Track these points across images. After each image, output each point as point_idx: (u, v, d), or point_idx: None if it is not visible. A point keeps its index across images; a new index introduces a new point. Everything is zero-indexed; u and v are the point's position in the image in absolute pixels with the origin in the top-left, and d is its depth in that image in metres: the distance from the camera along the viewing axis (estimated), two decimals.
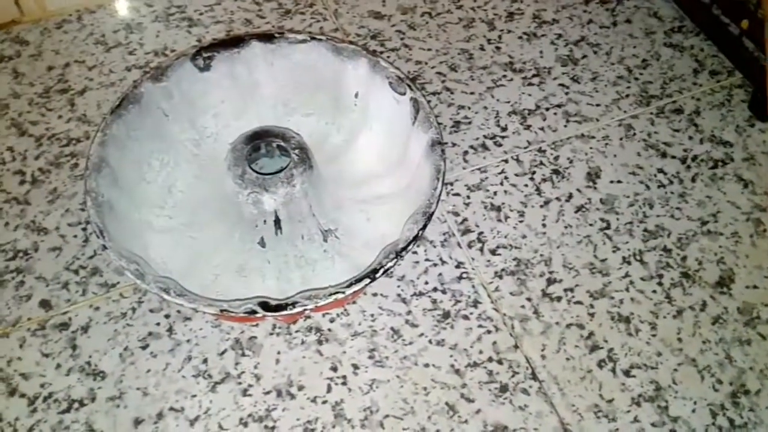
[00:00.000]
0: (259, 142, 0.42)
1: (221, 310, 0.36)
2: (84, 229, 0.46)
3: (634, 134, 0.51)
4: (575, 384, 0.41)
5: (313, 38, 0.46)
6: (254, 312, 0.36)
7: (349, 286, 0.37)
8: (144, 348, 0.41)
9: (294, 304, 0.36)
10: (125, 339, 0.42)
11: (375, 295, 0.44)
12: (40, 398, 0.40)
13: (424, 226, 0.39)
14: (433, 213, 0.39)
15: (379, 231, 0.44)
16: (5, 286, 0.43)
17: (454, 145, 0.50)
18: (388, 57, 0.54)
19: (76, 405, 0.39)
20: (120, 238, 0.39)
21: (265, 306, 0.36)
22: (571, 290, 0.44)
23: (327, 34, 0.50)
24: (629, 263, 0.45)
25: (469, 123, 0.51)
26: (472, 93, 0.53)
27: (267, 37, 0.46)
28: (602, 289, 0.44)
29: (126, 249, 0.38)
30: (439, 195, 0.40)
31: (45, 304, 0.43)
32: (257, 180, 0.40)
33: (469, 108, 0.52)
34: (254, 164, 0.42)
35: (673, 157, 0.50)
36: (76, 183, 0.47)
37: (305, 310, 0.36)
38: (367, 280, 0.37)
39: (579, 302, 0.44)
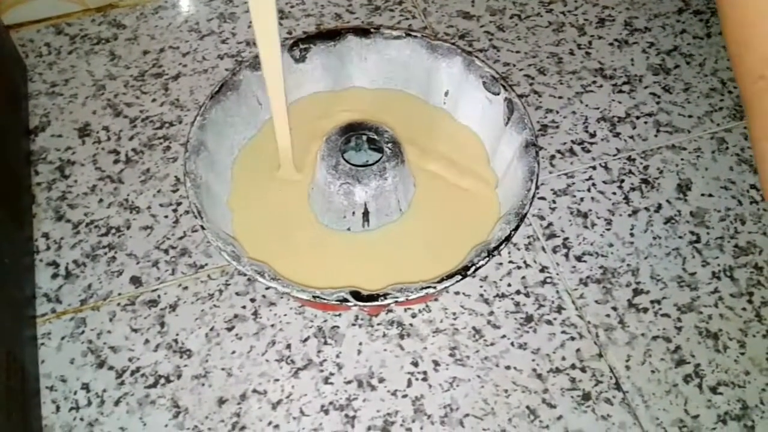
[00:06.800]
0: (351, 134, 0.43)
1: (313, 296, 0.36)
2: (174, 210, 0.46)
3: (727, 148, 0.50)
4: (660, 397, 0.40)
5: (408, 35, 0.46)
6: (345, 300, 0.36)
7: (440, 281, 0.37)
8: (229, 330, 0.42)
9: (385, 296, 0.36)
10: (211, 319, 0.42)
11: (457, 293, 0.44)
12: (127, 372, 0.41)
13: (517, 227, 0.39)
14: (525, 214, 0.39)
15: None
16: (98, 261, 0.44)
17: (541, 148, 0.50)
18: None
19: (162, 381, 0.40)
20: (215, 219, 0.40)
21: (357, 295, 0.36)
22: (658, 302, 0.43)
23: (421, 31, 0.50)
24: (719, 279, 0.44)
25: (557, 127, 0.51)
26: (560, 97, 0.52)
27: (363, 32, 0.46)
28: (690, 303, 0.43)
29: (222, 231, 0.39)
30: (533, 197, 0.40)
31: (135, 281, 0.44)
32: (350, 171, 0.41)
33: (557, 112, 0.52)
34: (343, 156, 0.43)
35: None
36: (168, 165, 0.48)
37: (396, 302, 0.36)
38: (458, 277, 0.37)
39: (666, 315, 0.43)
